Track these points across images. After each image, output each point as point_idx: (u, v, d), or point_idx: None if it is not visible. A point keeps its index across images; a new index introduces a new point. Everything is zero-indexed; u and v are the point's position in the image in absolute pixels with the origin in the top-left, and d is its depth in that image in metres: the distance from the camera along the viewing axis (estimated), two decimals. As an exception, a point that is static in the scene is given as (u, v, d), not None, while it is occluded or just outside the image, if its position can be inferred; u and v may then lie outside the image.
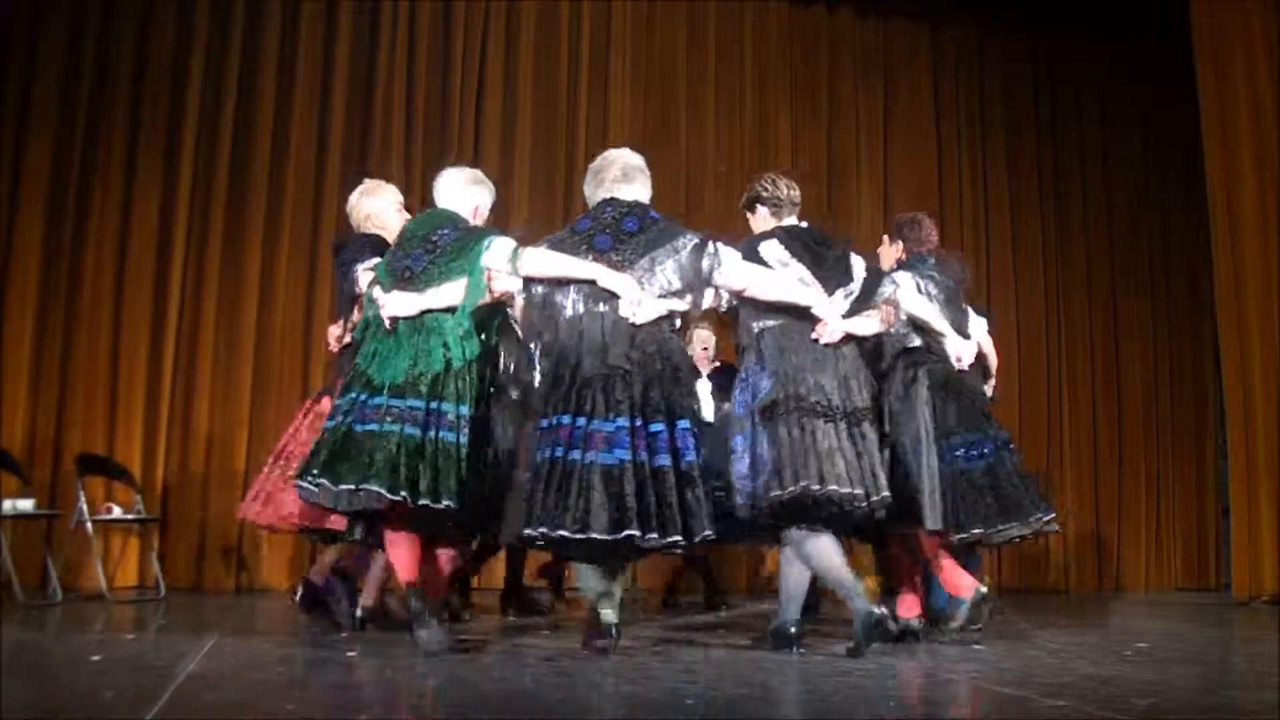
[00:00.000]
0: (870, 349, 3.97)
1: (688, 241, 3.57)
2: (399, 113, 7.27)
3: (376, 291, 3.65)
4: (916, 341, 4.12)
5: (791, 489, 3.44)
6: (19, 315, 6.39)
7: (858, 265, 3.88)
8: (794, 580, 3.72)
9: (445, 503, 3.33)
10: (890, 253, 4.41)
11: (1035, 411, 8.19)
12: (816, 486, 3.43)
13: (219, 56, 6.97)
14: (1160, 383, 8.59)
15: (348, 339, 4.10)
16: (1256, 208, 6.73)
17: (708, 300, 3.64)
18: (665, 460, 3.29)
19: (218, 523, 6.58)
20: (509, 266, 3.53)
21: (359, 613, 4.08)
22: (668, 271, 3.52)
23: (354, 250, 4.14)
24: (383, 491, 3.30)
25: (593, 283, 3.47)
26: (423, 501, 3.32)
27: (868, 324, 3.81)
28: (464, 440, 3.41)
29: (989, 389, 4.52)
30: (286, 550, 6.64)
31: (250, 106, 6.99)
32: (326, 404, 4.06)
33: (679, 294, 3.53)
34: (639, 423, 3.31)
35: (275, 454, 4.38)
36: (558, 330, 3.48)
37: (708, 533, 3.30)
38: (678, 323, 3.60)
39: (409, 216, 4.29)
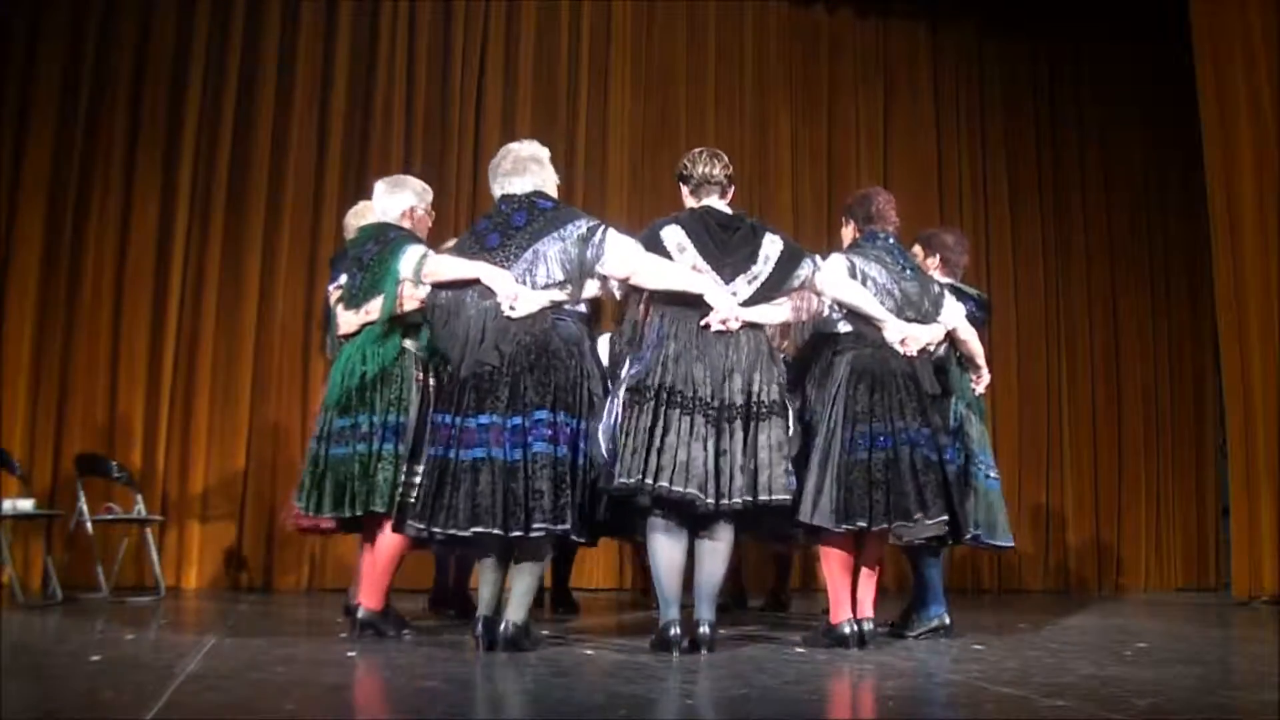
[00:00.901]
0: (810, 338, 3.89)
1: (576, 229, 3.57)
2: (399, 113, 7.27)
3: (339, 310, 3.95)
4: (845, 327, 3.85)
5: (626, 480, 3.36)
6: (19, 315, 6.39)
7: (770, 248, 3.67)
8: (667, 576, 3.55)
9: (332, 514, 3.73)
10: (846, 234, 4.16)
11: (1035, 411, 8.20)
12: (650, 482, 3.35)
13: (219, 56, 6.97)
14: (1160, 383, 8.59)
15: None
16: (1256, 208, 6.73)
17: (590, 290, 3.62)
18: (518, 454, 3.35)
19: (218, 523, 6.59)
20: (415, 275, 3.68)
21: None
22: (550, 262, 3.54)
23: (340, 266, 4.27)
24: (309, 511, 3.78)
25: (476, 281, 3.56)
26: (328, 514, 3.74)
27: (774, 312, 3.66)
28: (365, 448, 3.69)
29: (979, 381, 4.30)
30: (289, 550, 6.65)
31: (250, 106, 7.00)
32: None
33: (560, 284, 3.54)
34: (503, 419, 3.37)
35: None
36: (453, 331, 3.57)
37: (561, 526, 3.32)
38: (582, 309, 3.63)
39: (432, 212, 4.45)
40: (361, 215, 4.38)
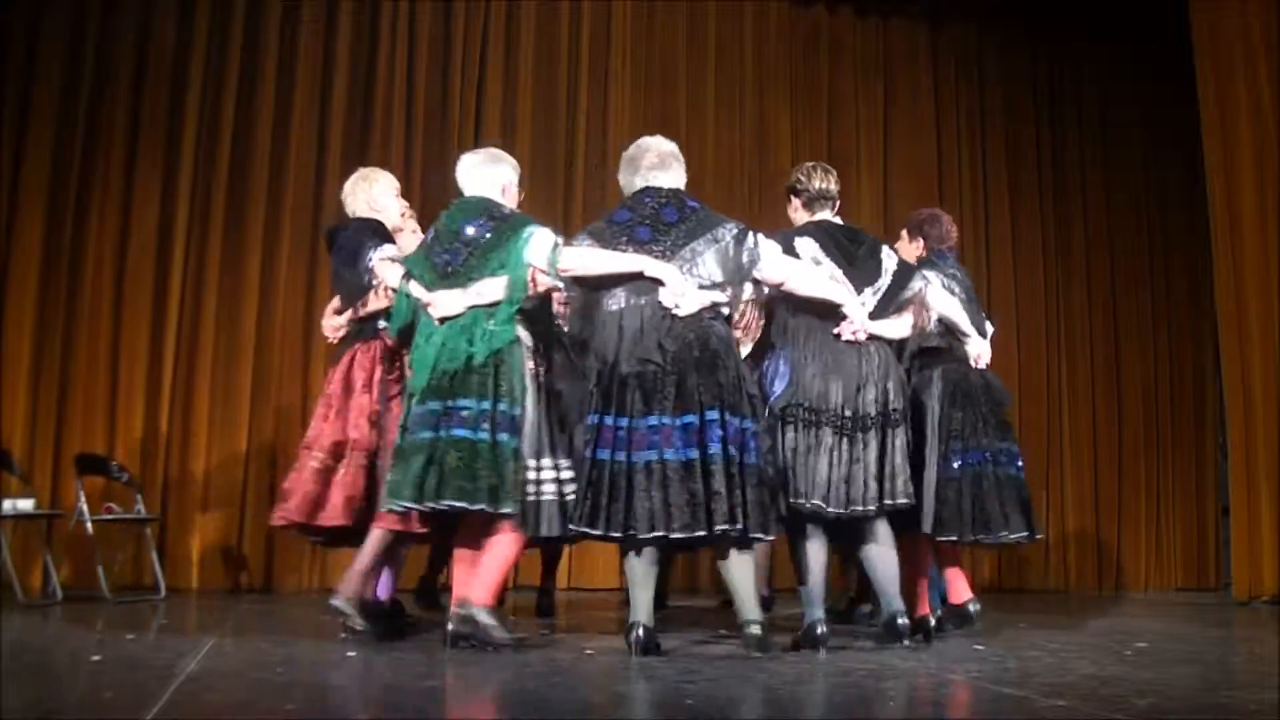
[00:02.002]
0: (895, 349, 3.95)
1: (727, 231, 3.52)
2: (399, 112, 7.26)
3: (415, 288, 3.60)
4: (935, 341, 4.08)
5: (814, 502, 3.52)
6: (19, 315, 6.39)
7: (888, 261, 3.85)
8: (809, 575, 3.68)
9: (448, 504, 3.31)
10: (910, 250, 4.34)
11: (1035, 411, 8.19)
12: (801, 501, 3.52)
13: (219, 56, 6.96)
14: (1160, 383, 8.58)
15: (344, 331, 4.07)
16: (1256, 208, 6.73)
17: (747, 292, 3.60)
18: (694, 453, 3.26)
19: (218, 522, 6.59)
20: (549, 265, 3.48)
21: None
22: (709, 262, 3.47)
23: (356, 237, 3.99)
24: (397, 507, 3.42)
25: (637, 276, 3.42)
26: (427, 503, 3.32)
27: (897, 326, 3.80)
28: (485, 437, 3.35)
29: None
30: (289, 550, 6.64)
31: (250, 106, 6.99)
32: (348, 394, 3.94)
33: (720, 286, 3.47)
34: (673, 419, 3.28)
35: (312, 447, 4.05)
36: (600, 326, 3.44)
37: (733, 526, 3.24)
38: (725, 311, 3.52)
39: (405, 204, 4.29)
40: (369, 179, 4.17)
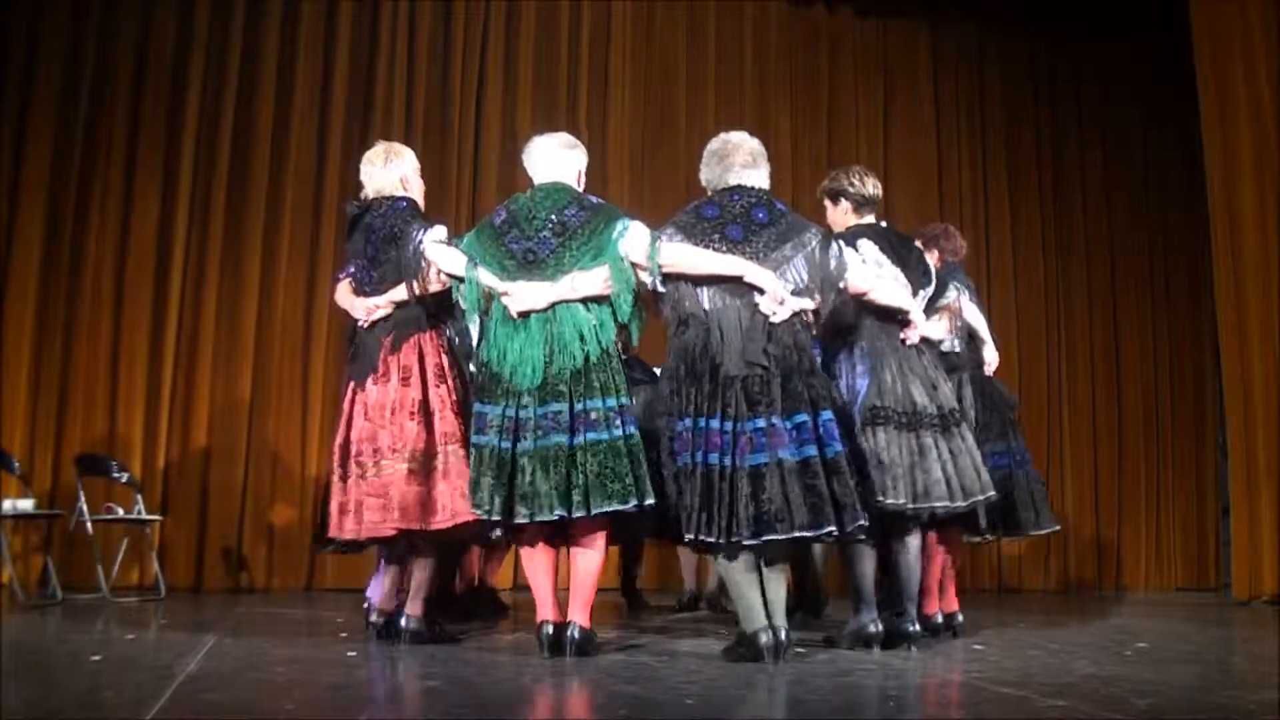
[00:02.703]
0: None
1: (813, 237, 3.45)
2: (399, 113, 7.27)
3: (487, 276, 3.39)
4: (956, 347, 4.17)
5: (899, 502, 3.50)
6: (19, 315, 6.39)
7: (932, 266, 3.95)
8: (866, 579, 3.68)
9: (600, 510, 3.16)
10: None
11: (1035, 411, 8.19)
12: (910, 505, 3.52)
13: (219, 56, 6.97)
14: (1160, 383, 8.59)
15: (381, 313, 3.70)
16: (1256, 208, 6.73)
17: (833, 300, 3.48)
18: (812, 451, 3.19)
19: (218, 523, 6.59)
20: (648, 262, 3.33)
21: (376, 619, 3.77)
22: (799, 268, 3.39)
23: (394, 217, 3.71)
24: (547, 518, 3.19)
25: (732, 278, 3.32)
26: (578, 514, 3.17)
27: (938, 327, 3.88)
28: (619, 433, 3.21)
29: None
30: (289, 550, 6.65)
31: (250, 106, 7.00)
32: (377, 395, 3.62)
33: (809, 291, 3.39)
34: (783, 420, 3.21)
35: (340, 459, 3.71)
36: (687, 323, 3.34)
37: (861, 522, 3.20)
38: (809, 317, 3.44)
39: (422, 184, 4.01)
40: (398, 155, 3.89)
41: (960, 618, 4.16)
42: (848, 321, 3.66)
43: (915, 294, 3.76)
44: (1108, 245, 8.64)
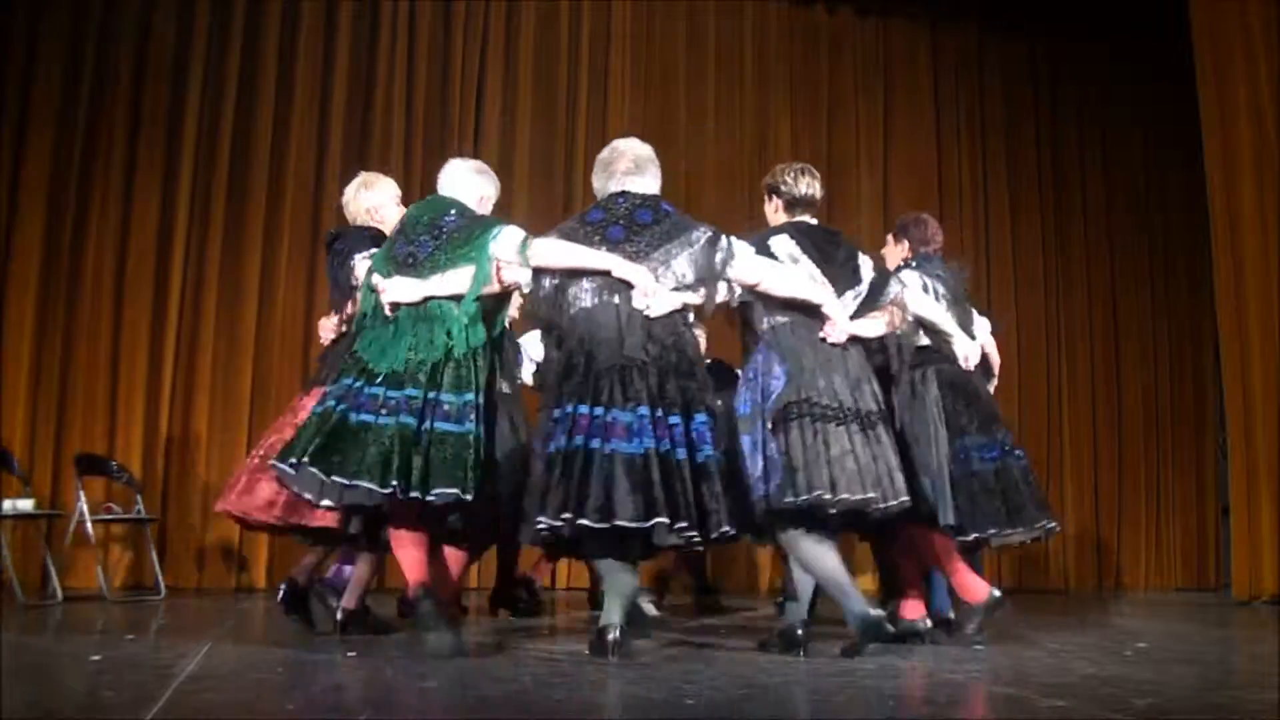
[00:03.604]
0: (877, 349, 3.90)
1: (701, 235, 3.50)
2: (399, 112, 7.27)
3: (375, 278, 3.55)
4: (925, 341, 4.09)
5: (806, 496, 3.38)
6: (19, 315, 6.39)
7: (865, 266, 3.83)
8: (802, 581, 3.67)
9: (439, 493, 3.22)
10: (895, 253, 4.38)
11: (1035, 411, 8.20)
12: (829, 495, 3.38)
13: (219, 56, 6.97)
14: (1160, 383, 8.59)
15: (337, 332, 4.04)
16: (1256, 208, 6.73)
17: (721, 294, 3.55)
18: (682, 453, 3.21)
19: (218, 523, 6.59)
20: (518, 257, 3.44)
21: (339, 615, 3.91)
22: (682, 264, 3.44)
23: (351, 242, 4.04)
24: (374, 487, 3.21)
25: (606, 273, 3.39)
26: (413, 494, 3.22)
27: (873, 326, 3.75)
28: (468, 429, 3.30)
29: (991, 388, 4.50)
30: (289, 550, 6.64)
31: (250, 106, 7.00)
32: (313, 397, 3.85)
33: (692, 287, 3.45)
34: (658, 413, 3.23)
35: (259, 446, 4.17)
36: (569, 322, 3.41)
37: (725, 529, 3.20)
38: (691, 317, 3.51)
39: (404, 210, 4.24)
40: (370, 186, 4.18)
41: (920, 625, 3.97)
42: (764, 321, 3.64)
43: (841, 293, 3.67)
44: (1108, 245, 8.64)
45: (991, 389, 4.51)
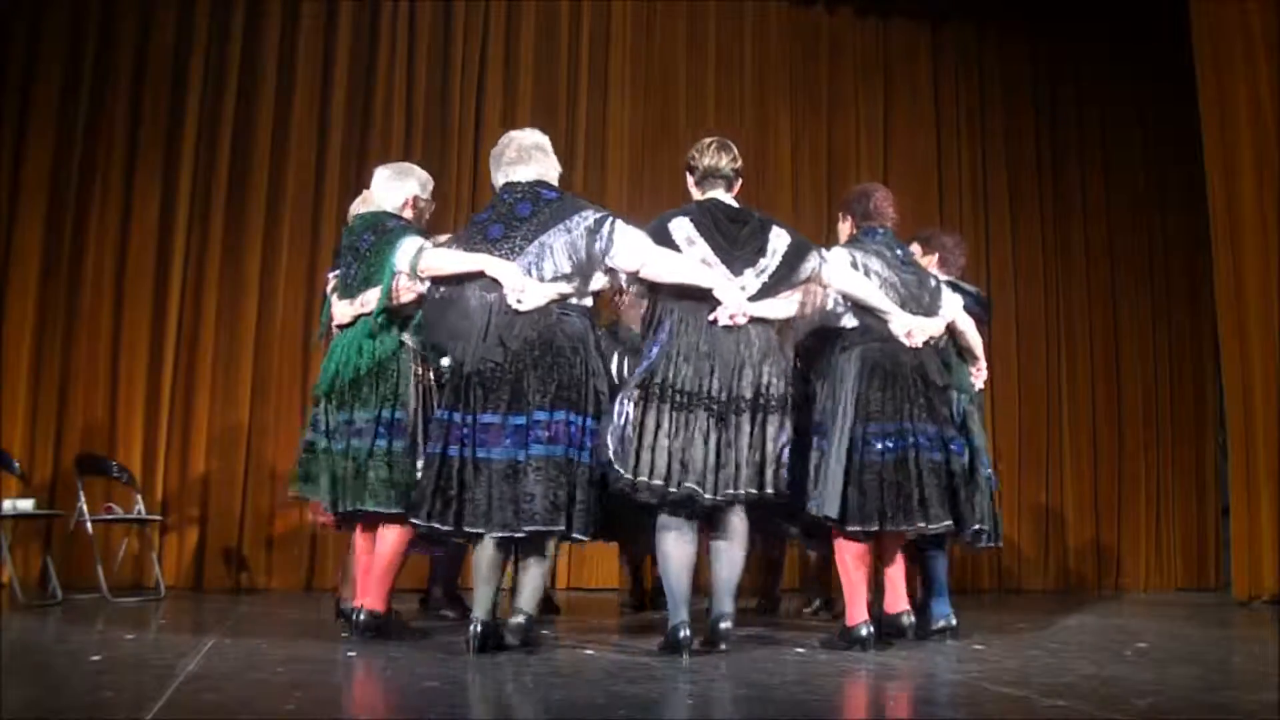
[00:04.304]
0: (816, 330, 3.78)
1: (582, 220, 3.50)
2: (399, 112, 7.27)
3: (333, 299, 3.91)
4: (851, 322, 3.84)
5: (628, 478, 3.35)
6: (19, 315, 6.39)
7: (777, 242, 3.65)
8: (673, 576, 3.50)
9: (356, 506, 3.64)
10: (844, 230, 4.17)
11: (1035, 411, 8.20)
12: (644, 479, 3.34)
13: (219, 56, 6.97)
14: (1160, 383, 8.58)
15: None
16: (1256, 208, 6.73)
17: (598, 283, 3.53)
18: (519, 455, 3.30)
19: (218, 523, 6.59)
20: (410, 268, 3.59)
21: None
22: (558, 254, 3.47)
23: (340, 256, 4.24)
24: (327, 507, 3.75)
25: (483, 274, 3.48)
26: (347, 508, 3.67)
27: (782, 306, 3.61)
28: (382, 444, 3.62)
29: (976, 375, 4.32)
30: (289, 550, 6.65)
31: (250, 106, 7.00)
32: None
33: (567, 278, 3.46)
34: (503, 418, 3.33)
35: None
36: (455, 325, 3.51)
37: (557, 527, 3.29)
38: (588, 303, 3.53)
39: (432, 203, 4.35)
40: (367, 203, 4.24)
41: (909, 619, 3.89)
42: (655, 307, 3.62)
43: (739, 271, 3.56)
44: (1108, 245, 8.63)
45: (980, 376, 4.34)
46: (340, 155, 7.07)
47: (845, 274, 3.81)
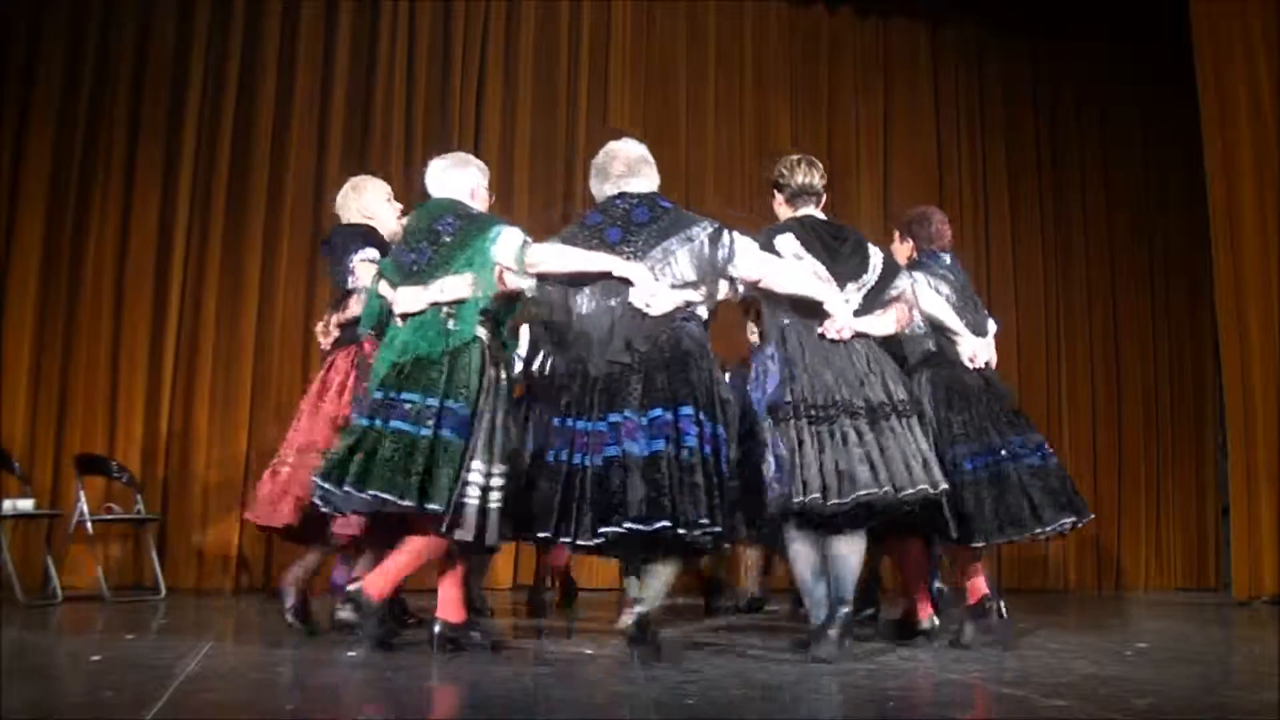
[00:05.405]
0: (892, 354, 3.82)
1: (701, 230, 3.47)
2: (399, 112, 7.26)
3: (384, 287, 3.60)
4: (925, 344, 4.02)
5: (800, 499, 3.36)
6: (19, 315, 6.39)
7: (875, 257, 3.76)
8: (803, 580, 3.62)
9: (374, 493, 3.25)
10: (902, 250, 4.27)
11: (1035, 412, 8.12)
12: (819, 498, 3.35)
13: (219, 56, 6.96)
14: (1160, 383, 8.59)
15: (336, 334, 4.05)
16: (1256, 207, 6.73)
17: (723, 291, 3.51)
18: (660, 445, 3.17)
19: (218, 523, 6.59)
20: (516, 264, 3.44)
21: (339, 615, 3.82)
22: (681, 261, 3.41)
23: (344, 239, 4.05)
24: (327, 487, 3.32)
25: (606, 276, 3.38)
26: (348, 489, 3.29)
27: (881, 323, 3.69)
28: (427, 432, 3.28)
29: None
30: (289, 550, 6.63)
31: (250, 106, 6.99)
32: (321, 398, 4.00)
33: (693, 285, 3.42)
34: (638, 415, 3.22)
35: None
36: (569, 328, 3.41)
37: (703, 521, 3.14)
38: (703, 314, 3.46)
39: (400, 208, 4.25)
40: (358, 187, 4.21)
41: (927, 624, 3.99)
42: (767, 320, 3.62)
43: (844, 286, 3.62)
44: (1108, 245, 8.63)
45: None
46: (340, 155, 7.06)
47: (929, 295, 3.97)
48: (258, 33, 7.04)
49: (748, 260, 3.51)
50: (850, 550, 3.51)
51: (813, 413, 3.45)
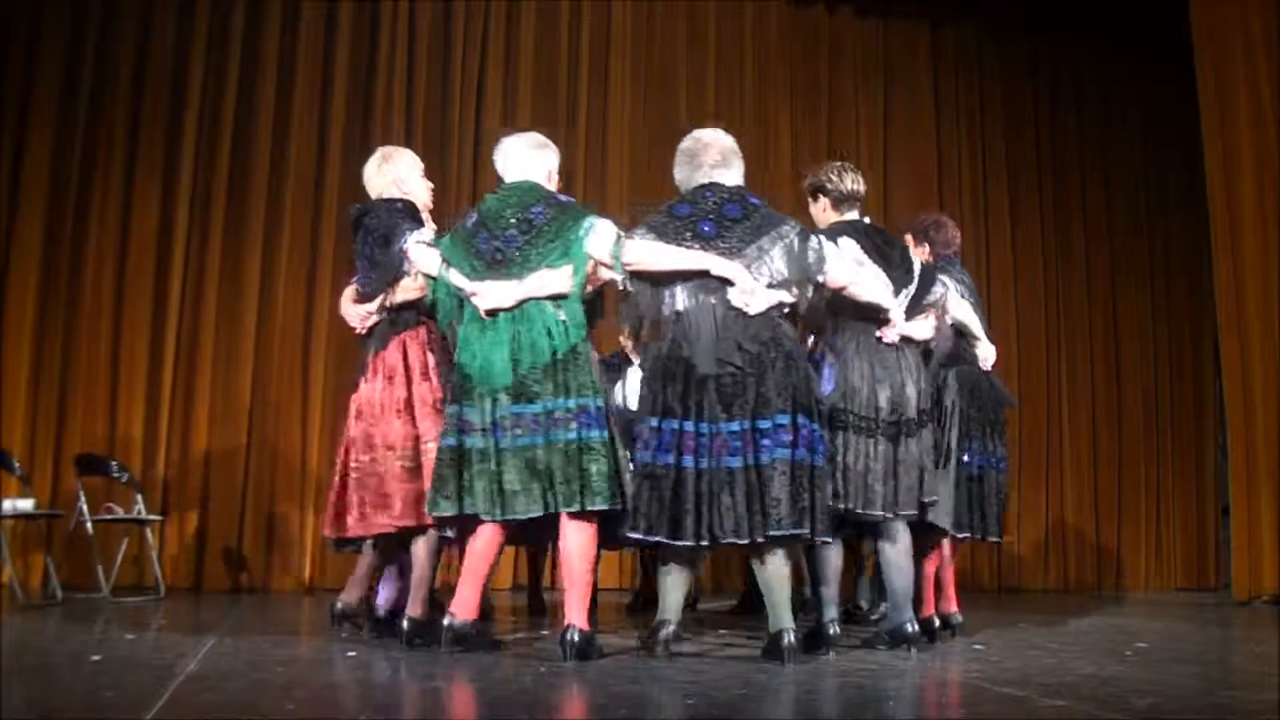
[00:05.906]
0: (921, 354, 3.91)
1: (791, 230, 3.41)
2: (399, 112, 7.27)
3: (456, 277, 3.39)
4: (949, 345, 4.11)
5: (845, 508, 3.52)
6: (19, 315, 6.40)
7: (916, 264, 3.85)
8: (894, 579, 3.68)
9: (586, 505, 3.17)
10: (917, 255, 4.28)
11: (1035, 412, 8.19)
12: (842, 506, 3.50)
13: (219, 56, 6.98)
14: (1160, 383, 8.59)
15: (375, 319, 3.75)
16: (1256, 208, 6.74)
17: (810, 293, 3.43)
18: (784, 453, 3.18)
19: (218, 523, 6.59)
20: (612, 259, 3.33)
21: (338, 607, 3.83)
22: (776, 260, 3.35)
23: (388, 218, 3.72)
24: (518, 516, 3.21)
25: (702, 273, 3.31)
26: (566, 509, 3.19)
27: (923, 327, 3.76)
28: (574, 436, 3.21)
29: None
30: (289, 550, 6.65)
31: (250, 106, 7.00)
32: (366, 394, 3.70)
33: (786, 284, 3.36)
34: (754, 423, 3.20)
35: (341, 459, 3.81)
36: (664, 324, 3.34)
37: (801, 530, 3.18)
38: (786, 310, 3.42)
39: (430, 184, 4.02)
40: (392, 159, 3.88)
41: (959, 618, 4.18)
42: (819, 322, 3.63)
43: (897, 293, 3.68)
44: (1108, 245, 8.64)
45: None
46: (340, 155, 7.06)
47: (958, 301, 4.08)
48: (258, 33, 7.05)
49: (838, 266, 3.49)
50: (836, 555, 3.65)
51: (860, 424, 3.54)
